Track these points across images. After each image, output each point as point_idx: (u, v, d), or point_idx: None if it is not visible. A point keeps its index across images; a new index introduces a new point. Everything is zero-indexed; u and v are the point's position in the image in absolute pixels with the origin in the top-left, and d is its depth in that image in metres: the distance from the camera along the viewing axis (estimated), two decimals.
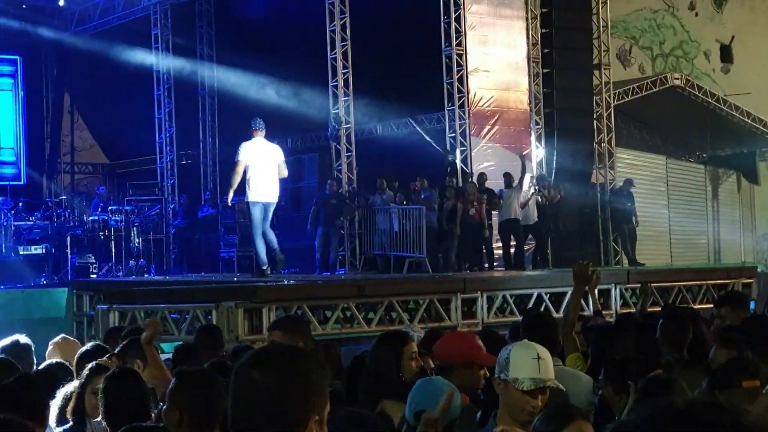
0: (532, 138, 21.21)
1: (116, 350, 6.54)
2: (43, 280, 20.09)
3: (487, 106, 20.46)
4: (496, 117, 20.56)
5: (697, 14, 29.45)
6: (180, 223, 23.87)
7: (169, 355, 9.89)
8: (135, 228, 21.87)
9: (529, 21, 21.36)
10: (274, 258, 15.48)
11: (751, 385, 4.90)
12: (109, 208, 22.21)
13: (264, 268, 15.16)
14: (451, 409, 4.23)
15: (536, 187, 19.54)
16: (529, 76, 21.24)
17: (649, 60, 28.32)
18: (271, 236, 15.20)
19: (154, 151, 25.62)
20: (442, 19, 20.10)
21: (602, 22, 22.72)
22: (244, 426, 2.63)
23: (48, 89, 28.94)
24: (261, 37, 24.14)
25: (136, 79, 25.57)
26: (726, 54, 29.70)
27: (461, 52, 20.12)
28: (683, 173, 27.70)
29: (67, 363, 6.78)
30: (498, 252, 19.34)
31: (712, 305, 10.11)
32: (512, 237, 19.00)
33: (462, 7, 20.03)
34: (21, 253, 21.65)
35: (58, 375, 6.30)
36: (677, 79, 26.11)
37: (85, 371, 5.62)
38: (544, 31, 21.69)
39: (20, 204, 23.26)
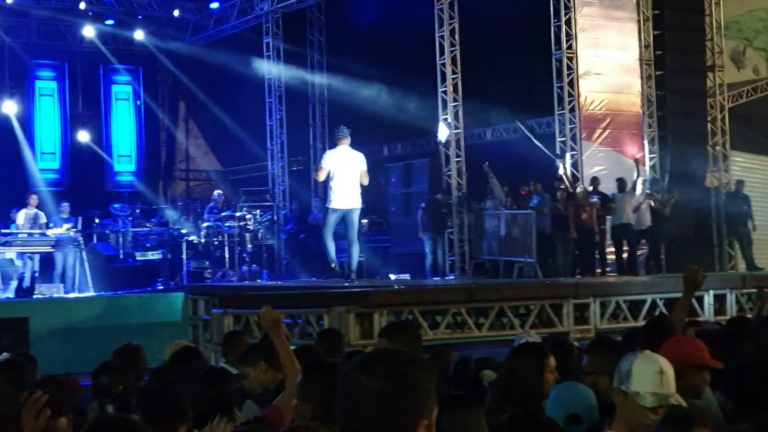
0: (645, 141, 20.94)
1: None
2: (159, 285, 20.47)
3: (599, 110, 20.27)
4: (607, 120, 20.35)
5: None
6: (291, 228, 24.11)
7: None
8: (248, 234, 22.16)
9: (641, 23, 21.08)
10: (342, 265, 15.83)
11: None
12: (223, 214, 22.55)
13: (333, 265, 15.55)
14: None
15: (648, 191, 19.28)
16: (642, 78, 20.97)
17: (764, 61, 27.68)
18: (354, 251, 15.65)
19: (266, 157, 25.96)
20: (552, 22, 19.98)
21: (715, 24, 22.32)
22: (353, 430, 2.65)
23: (164, 98, 29.55)
24: (371, 44, 24.29)
25: (249, 86, 25.96)
26: None
27: (572, 55, 19.97)
28: None
29: None
30: (611, 257, 19.12)
31: None
32: (625, 242, 18.78)
33: (572, 9, 19.88)
34: (138, 258, 22.14)
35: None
36: None
37: None
38: (656, 32, 21.38)
39: (137, 210, 23.81)
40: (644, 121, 20.97)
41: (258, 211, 23.22)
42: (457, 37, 20.44)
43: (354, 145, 15.35)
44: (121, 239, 22.69)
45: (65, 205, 20.90)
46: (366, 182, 15.46)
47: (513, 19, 21.33)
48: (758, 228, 21.64)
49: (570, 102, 19.94)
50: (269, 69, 25.57)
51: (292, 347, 8.74)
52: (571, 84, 19.94)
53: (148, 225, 23.28)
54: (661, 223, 19.54)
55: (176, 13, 26.55)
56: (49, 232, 19.92)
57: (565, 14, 19.85)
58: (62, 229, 19.89)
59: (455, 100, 20.52)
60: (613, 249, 19.07)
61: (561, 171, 19.74)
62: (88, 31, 26.35)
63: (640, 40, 21.01)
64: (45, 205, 21.48)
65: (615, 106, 20.56)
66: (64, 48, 27.39)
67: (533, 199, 18.79)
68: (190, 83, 28.68)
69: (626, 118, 20.69)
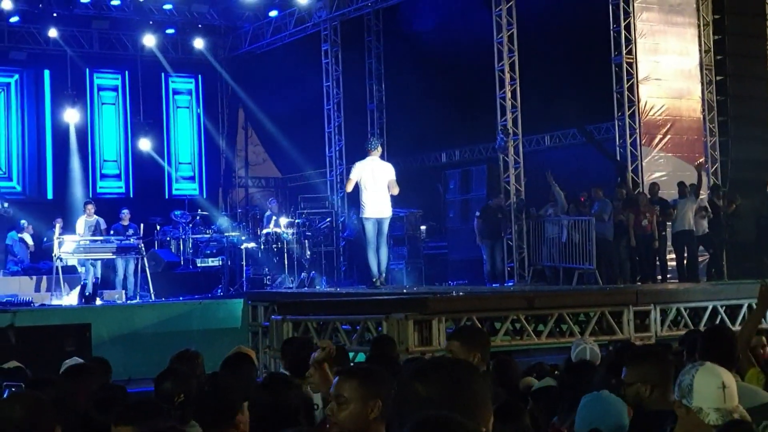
0: (707, 147, 20.74)
1: None
2: (219, 291, 20.63)
3: (659, 115, 20.10)
4: (668, 126, 20.18)
5: None
6: (350, 235, 24.18)
7: None
8: (306, 240, 22.27)
9: (701, 28, 20.89)
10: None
11: None
12: (282, 221, 22.67)
13: (374, 280, 15.77)
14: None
15: (705, 197, 19.11)
16: (702, 83, 20.78)
17: None
18: (384, 255, 15.83)
19: (325, 164, 26.06)
20: (611, 27, 19.86)
21: None
22: None
23: (223, 106, 29.79)
24: (428, 51, 24.31)
25: (307, 94, 26.09)
26: None
27: (631, 60, 19.83)
28: None
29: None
30: (671, 264, 18.96)
31: None
32: (686, 248, 18.61)
33: (632, 15, 19.75)
34: (199, 265, 22.35)
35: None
36: None
37: None
38: (716, 37, 21.18)
39: (197, 218, 24.03)
40: (705, 126, 20.76)
41: (317, 218, 23.33)
42: (515, 43, 20.39)
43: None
44: (181, 246, 22.93)
45: (126, 212, 21.16)
46: (395, 192, 15.81)
47: (571, 24, 21.25)
48: None
49: (630, 107, 19.79)
50: (327, 76, 25.68)
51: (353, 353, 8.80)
52: (630, 89, 19.80)
53: (208, 232, 23.49)
54: (722, 229, 19.34)
55: (235, 21, 26.76)
56: (110, 238, 20.18)
57: (625, 19, 19.72)
58: (123, 236, 20.14)
59: (513, 106, 20.46)
60: (673, 255, 18.90)
61: (621, 177, 19.61)
62: (149, 41, 26.66)
63: (700, 45, 20.81)
64: (107, 212, 21.77)
65: (675, 111, 20.38)
66: (126, 57, 27.72)
67: (594, 205, 18.68)
68: (249, 91, 28.90)
69: (687, 124, 20.50)
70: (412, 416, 2.64)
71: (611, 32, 19.87)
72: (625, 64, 19.76)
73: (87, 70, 27.35)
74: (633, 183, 19.58)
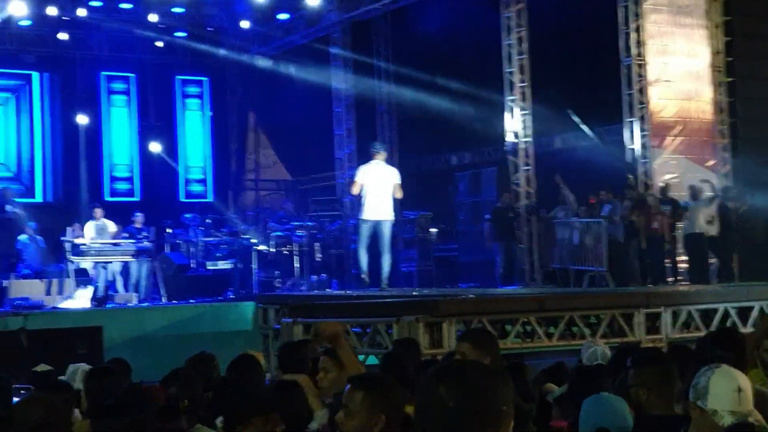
0: (717, 148, 20.71)
1: None
2: (230, 294, 20.66)
3: (669, 117, 20.08)
4: (678, 128, 20.16)
5: None
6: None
7: None
8: (317, 243, 22.28)
9: (711, 29, 20.86)
10: (381, 280, 16.17)
11: None
12: (292, 223, 22.70)
13: (363, 276, 16.19)
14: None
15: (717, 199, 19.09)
16: (713, 85, 20.74)
17: None
18: (386, 261, 16.03)
19: (335, 167, 26.09)
20: (620, 29, 19.84)
21: None
22: None
23: (233, 108, 29.83)
24: (438, 53, 24.32)
25: (317, 96, 26.12)
26: None
27: (641, 62, 19.80)
28: None
29: None
30: (682, 266, 18.93)
31: None
32: (698, 250, 18.57)
33: (641, 16, 19.73)
34: (209, 268, 22.38)
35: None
36: None
37: None
38: (726, 39, 21.14)
39: (208, 220, 24.07)
40: (715, 128, 20.73)
41: (327, 221, 23.35)
42: (525, 45, 20.39)
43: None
44: (192, 249, 22.95)
45: (139, 215, 21.24)
46: (399, 196, 16.10)
47: (580, 26, 21.24)
48: None
49: (640, 109, 19.77)
50: (337, 79, 25.71)
51: (360, 357, 8.80)
52: (641, 91, 19.77)
53: (218, 235, 23.52)
54: (732, 231, 19.31)
55: (245, 24, 26.81)
56: (121, 242, 20.24)
57: (634, 21, 19.70)
58: (133, 240, 20.19)
59: (523, 109, 20.47)
60: (684, 258, 18.87)
61: (631, 179, 19.58)
62: (159, 44, 26.71)
63: (710, 46, 20.78)
64: (117, 215, 21.83)
65: (686, 113, 20.35)
66: (135, 60, 27.80)
67: (604, 207, 18.67)
68: (259, 94, 28.94)
69: (697, 126, 20.47)
70: (435, 420, 2.65)
71: (620, 34, 19.85)
72: (634, 66, 19.74)
73: (97, 73, 27.43)
74: (644, 185, 19.56)
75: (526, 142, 20.60)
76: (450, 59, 23.84)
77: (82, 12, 24.46)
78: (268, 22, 27.08)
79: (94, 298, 18.43)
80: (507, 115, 20.68)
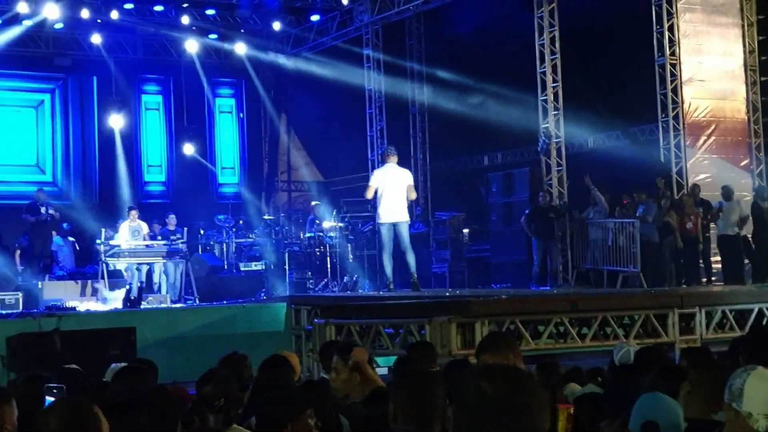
0: (751, 148, 20.55)
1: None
2: (263, 295, 20.70)
3: (703, 117, 19.95)
4: (712, 127, 20.02)
5: None
6: None
7: (384, 369, 10.06)
8: (349, 244, 22.29)
9: (745, 28, 20.71)
10: (412, 282, 16.41)
11: None
12: (324, 224, 22.71)
13: (387, 283, 16.39)
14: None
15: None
16: (746, 84, 20.59)
17: None
18: (411, 259, 16.20)
19: (367, 168, 26.08)
20: (654, 28, 19.73)
21: None
22: None
23: (266, 110, 29.90)
24: (470, 53, 24.27)
25: (349, 97, 26.13)
26: None
27: (675, 61, 19.69)
28: None
29: None
30: (716, 266, 18.79)
31: None
32: (731, 251, 18.43)
33: (675, 15, 19.61)
34: (242, 269, 22.44)
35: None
36: None
37: None
38: (761, 38, 20.97)
39: (241, 222, 24.13)
40: (749, 128, 20.57)
41: (359, 222, 23.35)
42: (557, 45, 20.33)
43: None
44: (225, 250, 23.03)
45: (172, 216, 21.35)
46: (413, 197, 16.42)
47: (614, 25, 21.14)
48: None
49: (674, 109, 19.65)
50: (369, 80, 25.72)
51: (392, 358, 8.79)
52: (674, 91, 19.66)
53: (251, 236, 23.58)
54: (765, 231, 19.11)
55: (277, 26, 26.89)
56: (154, 243, 20.33)
57: (668, 20, 19.57)
58: (167, 241, 20.28)
59: (556, 109, 20.41)
60: (719, 258, 18.73)
61: (660, 180, 19.46)
62: (192, 46, 26.81)
63: (744, 45, 20.63)
64: (151, 217, 21.93)
65: (720, 112, 20.21)
66: (169, 62, 27.93)
67: (639, 208, 18.57)
68: (291, 95, 29.00)
69: (731, 125, 20.33)
70: (478, 416, 2.67)
71: (654, 33, 19.74)
72: (668, 66, 19.62)
73: (131, 75, 27.58)
74: (677, 185, 19.44)
75: (558, 142, 20.52)
76: (482, 60, 23.78)
77: (114, 15, 24.59)
78: (301, 24, 27.15)
79: (127, 299, 18.50)
80: (540, 116, 20.60)
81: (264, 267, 22.19)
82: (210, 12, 26.06)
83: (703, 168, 19.80)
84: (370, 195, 16.38)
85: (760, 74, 20.89)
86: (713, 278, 18.61)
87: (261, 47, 28.05)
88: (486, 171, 24.76)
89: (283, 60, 28.11)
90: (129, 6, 24.90)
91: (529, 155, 23.09)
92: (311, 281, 21.66)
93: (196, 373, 6.62)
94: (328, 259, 21.82)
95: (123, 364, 7.55)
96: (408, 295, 15.67)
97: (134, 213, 20.88)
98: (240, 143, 29.51)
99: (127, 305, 18.22)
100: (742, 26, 20.66)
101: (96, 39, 25.80)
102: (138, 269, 20.27)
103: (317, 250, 22.05)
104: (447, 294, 17.43)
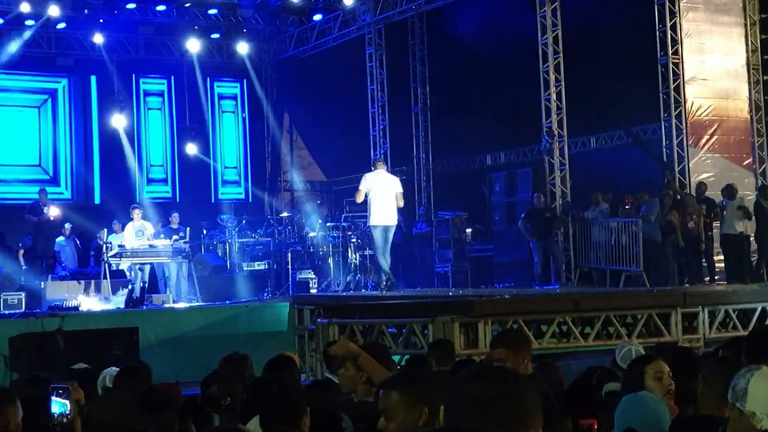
0: (754, 147, 20.54)
1: None
2: (266, 295, 20.70)
3: (705, 116, 19.93)
4: (714, 126, 20.00)
5: None
6: (394, 238, 24.15)
7: None
8: (352, 244, 22.29)
9: (748, 27, 20.69)
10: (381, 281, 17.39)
11: None
12: (327, 224, 22.72)
13: (387, 276, 17.17)
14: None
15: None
16: (749, 83, 20.57)
17: None
18: (387, 259, 17.15)
19: (370, 167, 26.03)
20: (657, 27, 19.71)
21: None
22: None
23: (268, 110, 29.90)
24: (473, 53, 24.26)
25: (352, 97, 26.13)
26: None
27: (677, 60, 19.67)
28: None
29: None
30: (720, 265, 18.78)
31: None
32: (734, 250, 18.42)
33: (678, 15, 19.59)
34: (245, 269, 22.45)
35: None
36: None
37: None
38: (763, 37, 20.96)
39: (243, 221, 24.14)
40: (752, 127, 20.56)
41: (362, 222, 23.33)
42: (560, 44, 20.32)
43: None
44: (228, 250, 23.04)
45: (175, 215, 21.37)
46: (401, 204, 17.27)
47: (616, 25, 21.13)
48: None
49: (676, 108, 19.64)
50: (372, 79, 25.71)
51: (395, 357, 8.77)
52: (677, 90, 19.64)
53: (254, 236, 23.59)
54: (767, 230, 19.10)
55: (279, 25, 26.87)
56: (157, 242, 20.32)
57: (671, 19, 19.56)
58: (170, 241, 20.27)
59: (558, 108, 20.39)
60: (722, 257, 18.72)
61: (668, 178, 19.46)
62: (194, 45, 26.81)
63: (746, 44, 20.62)
64: (154, 216, 21.93)
65: (722, 111, 20.19)
66: (171, 62, 27.93)
67: (642, 207, 18.56)
68: (294, 95, 29.00)
69: (734, 124, 20.30)
70: (465, 417, 2.67)
71: (657, 32, 19.73)
72: (671, 65, 19.61)
73: (133, 75, 27.59)
74: (680, 184, 19.43)
75: (560, 141, 20.51)
76: (485, 59, 23.77)
77: (116, 14, 24.58)
78: (303, 24, 27.15)
79: (129, 299, 18.51)
80: (542, 115, 20.59)
81: (267, 267, 22.20)
82: (212, 11, 26.06)
83: (706, 167, 19.78)
84: (360, 199, 17.12)
85: (763, 73, 20.88)
86: (716, 277, 18.59)
87: (263, 47, 28.06)
88: (489, 170, 24.75)
89: (285, 60, 28.10)
90: (131, 6, 24.90)
91: (532, 155, 23.09)
92: (314, 281, 21.67)
93: (198, 373, 6.63)
94: (331, 258, 21.81)
95: (115, 369, 7.55)
96: (411, 294, 15.69)
97: (138, 212, 20.88)
98: (243, 143, 29.50)
99: (129, 305, 18.22)
100: (745, 25, 20.65)
101: (98, 39, 25.79)
102: (141, 269, 20.27)
103: (320, 249, 22.05)
104: (450, 294, 17.47)
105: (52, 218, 21.56)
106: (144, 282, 20.07)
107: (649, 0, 19.79)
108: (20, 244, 22.47)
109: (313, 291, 21.05)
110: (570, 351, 12.40)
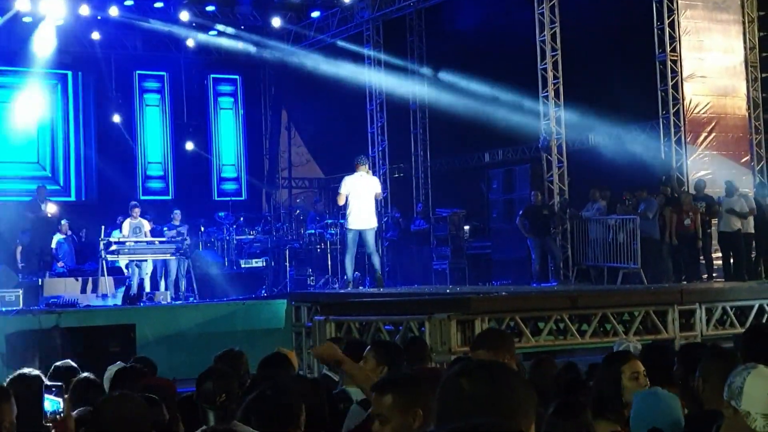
0: (752, 144, 20.53)
1: None
2: (263, 292, 20.69)
3: (704, 113, 19.92)
4: (713, 124, 20.00)
5: None
6: (392, 235, 24.18)
7: None
8: None
9: (746, 24, 20.68)
10: (376, 278, 17.81)
11: None
12: (325, 221, 22.71)
13: (347, 282, 17.66)
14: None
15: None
16: (747, 81, 20.57)
17: None
18: (376, 260, 17.71)
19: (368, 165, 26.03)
20: (655, 24, 19.71)
21: None
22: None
23: (266, 107, 29.90)
24: (471, 50, 24.25)
25: (349, 94, 26.11)
26: None
27: (676, 57, 19.67)
28: None
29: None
30: (717, 263, 18.77)
31: None
32: (732, 247, 18.42)
33: (676, 12, 19.59)
34: (243, 266, 22.44)
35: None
36: None
37: None
38: (761, 34, 20.95)
39: (241, 219, 24.13)
40: (750, 124, 20.55)
41: None
42: (558, 41, 20.31)
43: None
44: (225, 247, 23.03)
45: (177, 212, 21.36)
46: (379, 196, 18.20)
47: (614, 22, 21.12)
48: None
49: (675, 105, 19.64)
50: (370, 77, 25.69)
51: None
52: (675, 87, 19.64)
53: (251, 233, 23.58)
54: (766, 227, 19.10)
55: (277, 22, 26.85)
56: (155, 240, 20.32)
57: (669, 16, 19.55)
58: (166, 238, 20.27)
59: (557, 105, 20.38)
60: (719, 254, 18.71)
61: (666, 176, 19.45)
62: (192, 42, 26.79)
63: (745, 42, 20.61)
64: (152, 213, 21.91)
65: (720, 109, 20.18)
66: (169, 59, 27.91)
67: (640, 205, 18.55)
68: (292, 92, 28.98)
69: (732, 122, 20.30)
70: (455, 413, 2.65)
71: (655, 30, 19.72)
72: (669, 62, 19.61)
73: (130, 72, 27.58)
74: (678, 181, 19.42)
75: (558, 138, 20.50)
76: (483, 56, 23.76)
77: (114, 11, 24.55)
78: (301, 20, 27.13)
79: (127, 296, 18.50)
80: (540, 112, 20.58)
81: (264, 264, 22.19)
82: (210, 8, 26.04)
83: (704, 165, 19.78)
84: (341, 202, 17.45)
85: (761, 71, 20.87)
86: (714, 275, 18.59)
87: (261, 44, 28.03)
88: (487, 168, 24.74)
89: (283, 56, 28.07)
90: (129, 2, 24.88)
91: (530, 152, 23.08)
92: (312, 278, 21.66)
93: (195, 370, 6.61)
94: (329, 256, 21.81)
95: (120, 365, 7.54)
96: (408, 291, 15.67)
97: (137, 210, 20.87)
98: (241, 140, 29.49)
99: (127, 302, 18.21)
100: (743, 23, 20.64)
101: (96, 35, 25.77)
102: (138, 266, 20.26)
103: (317, 247, 22.04)
104: (447, 291, 17.44)
105: (49, 215, 21.51)
106: (141, 279, 20.07)
107: None
108: (18, 241, 22.43)
109: (311, 288, 21.03)
110: (567, 348, 12.40)
